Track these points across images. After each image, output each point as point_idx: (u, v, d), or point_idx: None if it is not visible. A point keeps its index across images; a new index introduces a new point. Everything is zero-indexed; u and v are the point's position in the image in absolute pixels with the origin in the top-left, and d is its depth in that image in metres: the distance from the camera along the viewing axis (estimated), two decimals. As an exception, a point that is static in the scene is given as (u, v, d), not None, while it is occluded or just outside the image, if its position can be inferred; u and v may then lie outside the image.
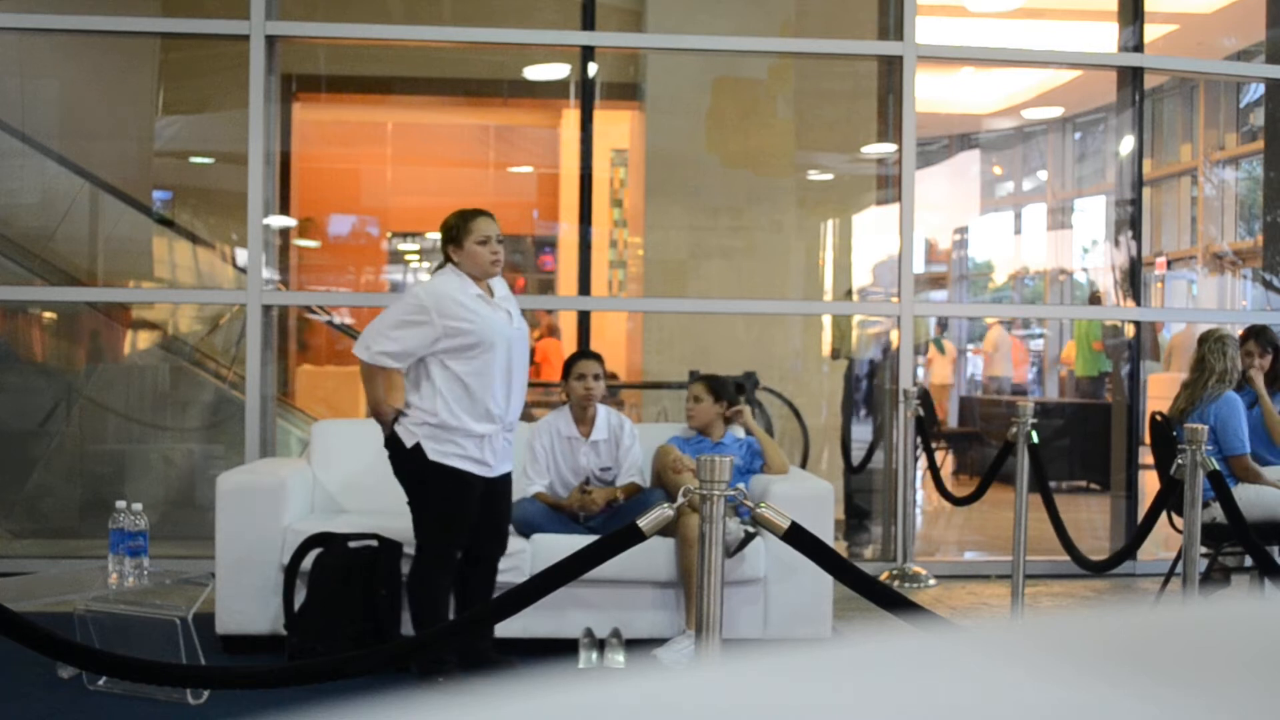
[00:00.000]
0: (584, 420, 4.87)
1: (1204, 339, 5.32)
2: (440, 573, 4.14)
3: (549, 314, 11.48)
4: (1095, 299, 10.78)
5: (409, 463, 4.08)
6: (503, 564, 4.51)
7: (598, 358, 4.96)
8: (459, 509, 4.11)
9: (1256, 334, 5.48)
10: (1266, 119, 8.98)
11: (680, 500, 2.79)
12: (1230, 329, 5.61)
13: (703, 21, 7.82)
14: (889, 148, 7.10)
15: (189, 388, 7.65)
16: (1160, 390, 8.54)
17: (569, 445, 4.87)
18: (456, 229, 4.12)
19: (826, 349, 8.66)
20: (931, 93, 10.70)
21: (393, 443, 4.10)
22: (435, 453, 4.04)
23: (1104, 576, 6.13)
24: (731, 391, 5.10)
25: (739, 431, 5.15)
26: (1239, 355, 5.31)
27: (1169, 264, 13.69)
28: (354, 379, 9.87)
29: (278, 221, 6.85)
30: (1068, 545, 5.20)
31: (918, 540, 6.96)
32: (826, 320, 8.63)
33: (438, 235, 4.25)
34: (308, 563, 4.39)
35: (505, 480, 4.26)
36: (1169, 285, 13.71)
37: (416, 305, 4.03)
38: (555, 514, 4.73)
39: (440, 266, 4.20)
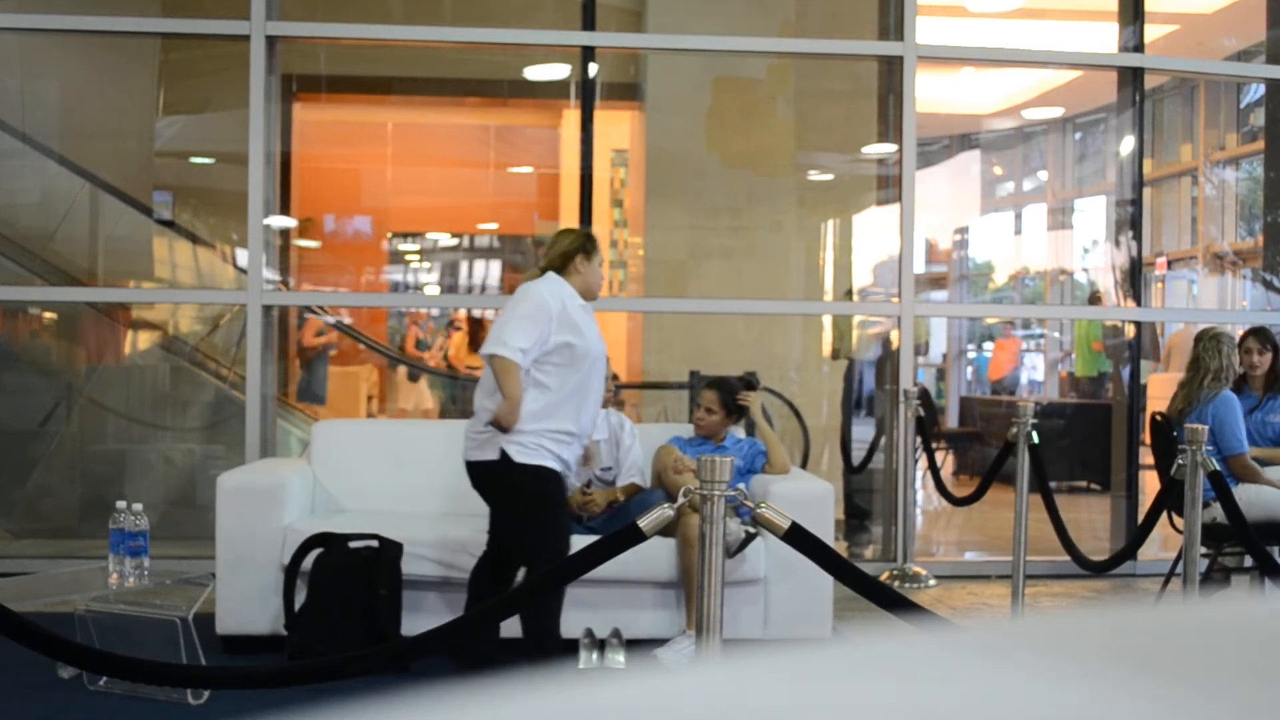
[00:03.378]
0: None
1: (1199, 338, 5.32)
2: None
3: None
4: (1095, 299, 10.78)
5: (502, 475, 4.01)
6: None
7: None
8: (560, 506, 4.08)
9: (1256, 332, 5.47)
10: (1267, 119, 8.98)
11: (680, 500, 2.79)
12: (1230, 329, 5.60)
13: (703, 21, 7.82)
14: (889, 148, 7.10)
15: (189, 388, 7.65)
16: (1161, 390, 8.54)
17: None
18: (590, 243, 4.18)
19: (826, 349, 8.66)
20: (931, 93, 10.69)
21: (482, 462, 4.04)
22: (522, 455, 3.98)
23: (1104, 576, 6.13)
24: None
25: (740, 432, 5.15)
26: (1235, 353, 5.31)
27: (1169, 264, 13.69)
28: (354, 379, 9.88)
29: (278, 221, 6.85)
30: (1068, 545, 5.20)
31: (918, 540, 6.96)
32: (826, 320, 8.63)
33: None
34: (308, 563, 4.39)
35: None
36: (1169, 285, 13.71)
37: (540, 303, 3.99)
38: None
39: (541, 274, 4.15)
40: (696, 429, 5.02)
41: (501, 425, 3.97)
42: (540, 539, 4.08)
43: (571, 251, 4.15)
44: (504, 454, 3.99)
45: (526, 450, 3.99)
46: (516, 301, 4.06)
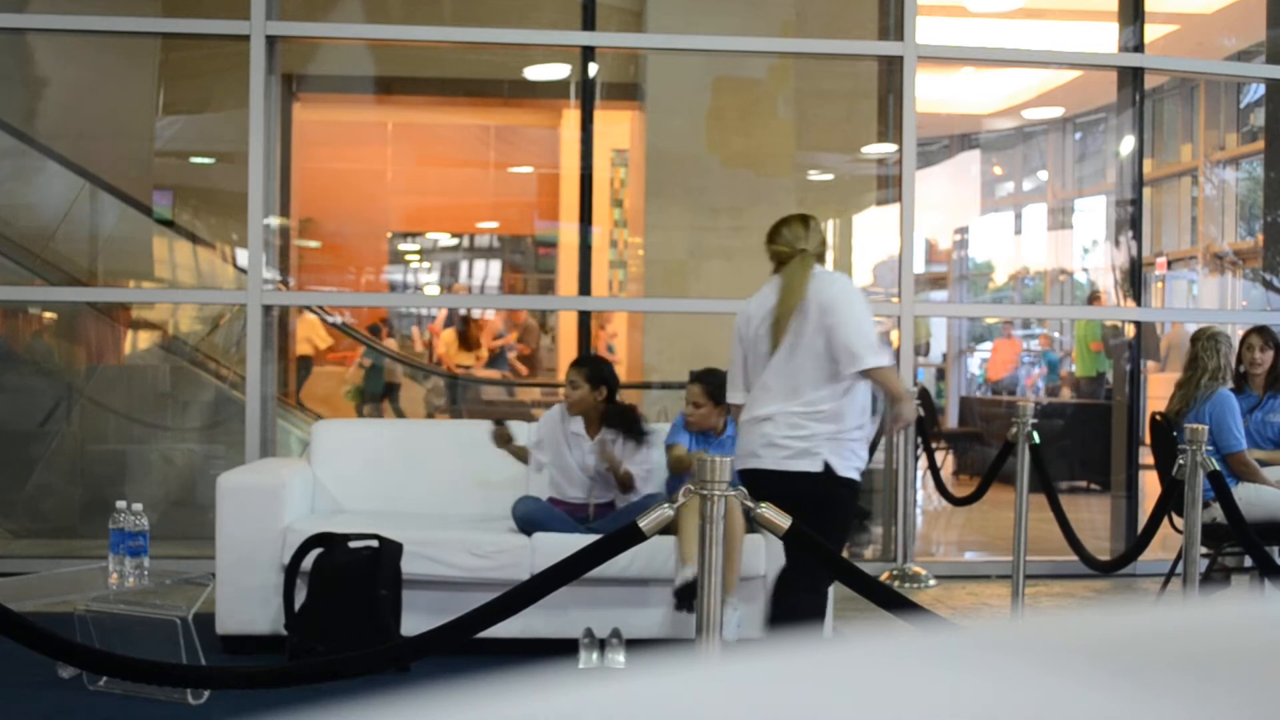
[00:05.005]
0: (591, 420, 4.89)
1: (1196, 337, 5.32)
2: None
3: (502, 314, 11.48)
4: (1095, 299, 10.78)
5: (821, 488, 3.66)
6: (503, 561, 4.52)
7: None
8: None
9: (1259, 331, 5.47)
10: (1267, 119, 8.98)
11: (681, 500, 2.78)
12: (1229, 329, 5.59)
13: (703, 21, 7.82)
14: (889, 148, 7.10)
15: (189, 388, 7.64)
16: (1160, 390, 8.54)
17: (575, 442, 4.88)
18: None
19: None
20: (932, 93, 10.70)
21: (801, 474, 3.69)
22: (844, 468, 3.70)
23: (1104, 576, 6.13)
24: None
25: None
26: (1232, 352, 5.31)
27: (1169, 264, 13.70)
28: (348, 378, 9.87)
29: (277, 222, 6.85)
30: (1075, 545, 5.18)
31: (918, 540, 6.96)
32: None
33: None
34: (308, 563, 4.39)
35: None
36: (1169, 285, 13.72)
37: (864, 300, 3.85)
38: (557, 513, 4.75)
39: (808, 262, 3.90)
40: (687, 424, 4.96)
41: (907, 421, 3.83)
42: (828, 571, 3.74)
43: (820, 247, 3.96)
44: (828, 466, 3.66)
45: (847, 462, 3.70)
46: (849, 303, 3.73)
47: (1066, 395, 12.58)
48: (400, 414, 9.78)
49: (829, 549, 2.94)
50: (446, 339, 11.14)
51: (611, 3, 7.81)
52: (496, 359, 11.20)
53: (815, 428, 3.67)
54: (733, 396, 3.96)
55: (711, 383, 4.92)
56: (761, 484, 3.67)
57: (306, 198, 10.03)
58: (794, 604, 3.82)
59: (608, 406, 4.85)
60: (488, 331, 11.65)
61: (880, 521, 7.04)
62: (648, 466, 4.87)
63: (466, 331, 10.84)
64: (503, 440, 4.85)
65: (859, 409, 3.75)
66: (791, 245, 3.86)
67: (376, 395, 9.81)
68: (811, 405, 3.68)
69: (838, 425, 3.68)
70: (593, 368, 4.93)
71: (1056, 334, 13.60)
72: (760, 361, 3.81)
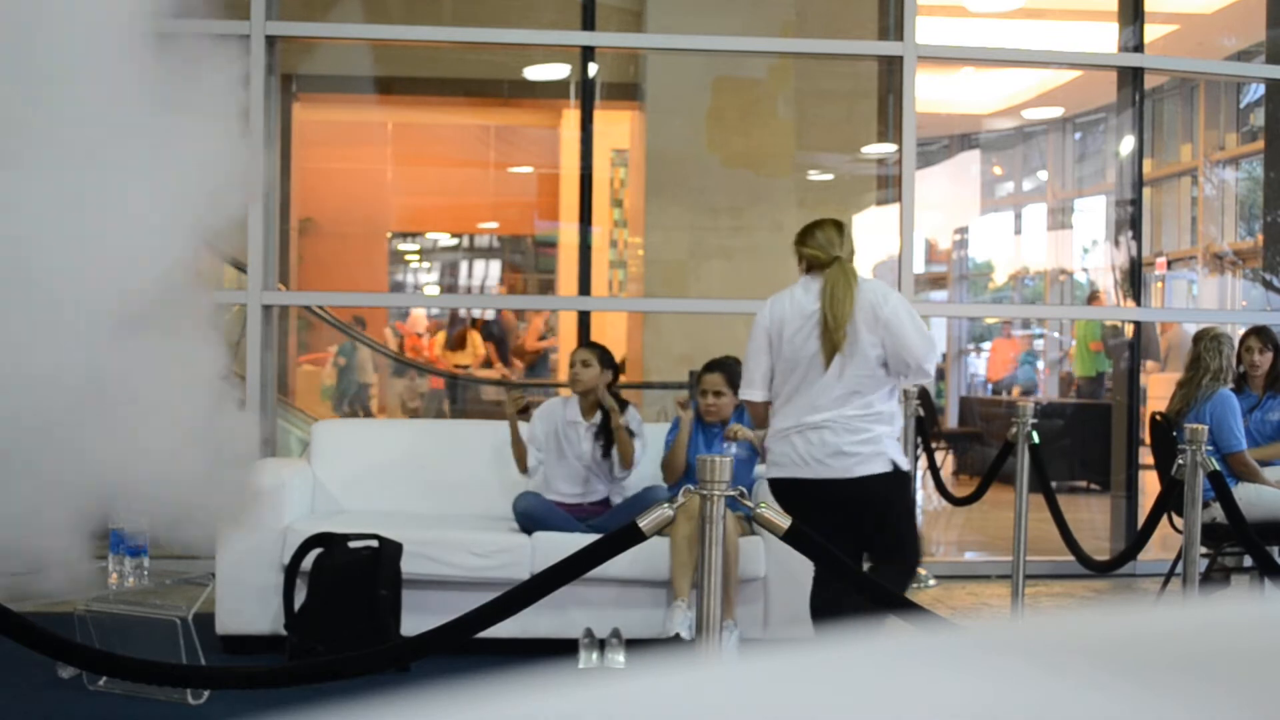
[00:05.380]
0: (588, 409, 4.91)
1: (1199, 337, 5.32)
2: None
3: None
4: (1095, 299, 10.78)
5: (891, 487, 3.74)
6: (504, 561, 4.52)
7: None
8: None
9: (1258, 331, 5.48)
10: (1266, 119, 8.98)
11: (680, 500, 2.78)
12: (1229, 329, 5.60)
13: (703, 21, 7.82)
14: (889, 148, 7.10)
15: (189, 388, 7.63)
16: (1160, 390, 8.55)
17: (573, 430, 4.90)
18: None
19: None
20: (931, 93, 10.70)
21: (873, 476, 3.71)
22: (906, 463, 3.81)
23: (1104, 576, 6.13)
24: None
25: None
26: (1234, 353, 5.31)
27: (1169, 264, 13.70)
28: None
29: (277, 221, 6.85)
30: (1072, 545, 5.19)
31: (918, 540, 6.96)
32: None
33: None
34: (308, 563, 4.40)
35: None
36: (1169, 285, 13.71)
37: (910, 305, 3.90)
38: (557, 510, 4.76)
39: (849, 270, 3.93)
40: (707, 416, 4.91)
41: None
42: (916, 549, 3.89)
43: (851, 254, 3.96)
44: (895, 465, 3.72)
45: (902, 458, 3.78)
46: (911, 319, 3.77)
47: (1033, 389, 12.65)
48: (368, 415, 9.78)
49: (830, 549, 2.94)
50: (440, 340, 11.15)
51: (611, 3, 7.81)
52: (539, 363, 11.13)
53: (877, 429, 3.71)
54: (750, 394, 3.91)
55: (729, 371, 4.89)
56: (828, 492, 3.70)
57: (306, 198, 10.02)
58: (839, 603, 3.80)
59: (608, 391, 4.90)
60: (531, 333, 11.60)
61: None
62: (641, 443, 4.89)
63: (462, 332, 10.84)
64: (518, 406, 4.87)
65: (898, 405, 3.85)
66: (826, 251, 3.87)
67: (350, 395, 9.79)
68: (869, 408, 3.72)
69: (891, 425, 3.76)
70: (603, 351, 4.98)
71: (1056, 334, 13.60)
72: (800, 366, 3.78)
